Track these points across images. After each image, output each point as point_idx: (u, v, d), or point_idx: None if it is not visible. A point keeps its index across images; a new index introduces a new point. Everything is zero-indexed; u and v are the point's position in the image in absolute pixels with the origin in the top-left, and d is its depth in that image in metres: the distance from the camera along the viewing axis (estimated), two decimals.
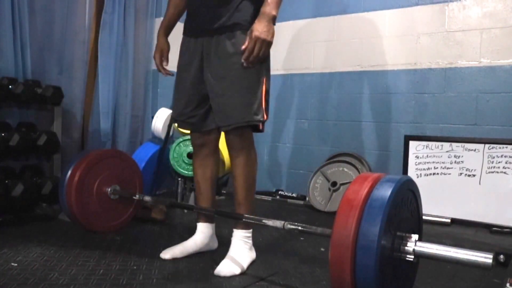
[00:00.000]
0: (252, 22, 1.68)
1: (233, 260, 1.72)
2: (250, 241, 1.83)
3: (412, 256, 1.24)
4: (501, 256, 1.88)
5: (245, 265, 1.73)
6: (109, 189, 2.17)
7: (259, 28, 1.60)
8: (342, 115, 3.36)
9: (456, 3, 2.93)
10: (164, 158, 2.92)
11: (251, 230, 1.83)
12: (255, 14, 1.69)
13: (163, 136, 2.96)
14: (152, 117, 3.14)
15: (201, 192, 1.94)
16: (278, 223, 1.58)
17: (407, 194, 1.30)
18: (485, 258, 1.16)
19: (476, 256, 1.18)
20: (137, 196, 2.14)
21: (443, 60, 2.98)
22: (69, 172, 2.08)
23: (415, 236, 1.26)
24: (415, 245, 1.24)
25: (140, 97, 3.37)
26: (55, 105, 2.65)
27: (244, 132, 1.75)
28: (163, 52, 2.00)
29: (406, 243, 1.25)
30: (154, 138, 3.09)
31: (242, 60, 1.64)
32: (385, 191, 1.18)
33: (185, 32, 1.87)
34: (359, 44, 3.28)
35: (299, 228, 1.53)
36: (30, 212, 2.41)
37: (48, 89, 2.56)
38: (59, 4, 2.81)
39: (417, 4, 3.07)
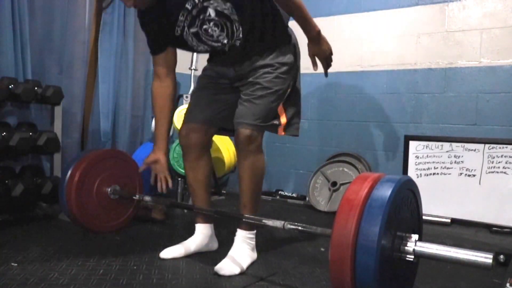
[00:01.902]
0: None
1: (233, 259, 1.72)
2: (253, 242, 1.82)
3: (412, 256, 1.24)
4: (501, 256, 1.88)
5: (245, 265, 1.73)
6: (109, 189, 2.16)
7: (318, 50, 1.80)
8: (342, 115, 3.36)
9: (456, 3, 2.93)
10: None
11: (254, 232, 1.82)
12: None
13: None
14: (152, 117, 3.14)
15: (195, 195, 1.94)
16: (278, 223, 1.58)
17: (407, 194, 1.30)
18: (485, 258, 1.16)
19: (476, 256, 1.18)
20: (137, 196, 2.14)
21: (443, 60, 2.98)
22: (69, 172, 2.07)
23: (415, 236, 1.26)
24: (415, 245, 1.24)
25: (140, 97, 3.37)
26: (55, 105, 2.65)
27: (254, 135, 1.73)
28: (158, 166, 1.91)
29: (406, 243, 1.25)
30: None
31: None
32: (385, 191, 1.18)
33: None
34: (359, 44, 3.28)
35: (299, 228, 1.53)
36: (30, 212, 2.41)
37: (48, 89, 2.56)
38: (59, 4, 2.81)
39: (417, 4, 3.07)
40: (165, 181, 1.92)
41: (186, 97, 3.16)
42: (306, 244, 2.16)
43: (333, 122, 3.40)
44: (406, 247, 1.24)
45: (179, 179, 2.94)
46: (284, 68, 1.77)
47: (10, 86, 2.39)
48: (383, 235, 1.12)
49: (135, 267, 1.71)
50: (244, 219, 1.67)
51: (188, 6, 1.64)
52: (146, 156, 1.99)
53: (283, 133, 1.85)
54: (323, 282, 1.65)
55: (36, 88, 2.51)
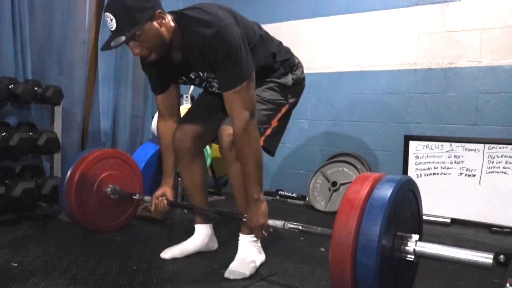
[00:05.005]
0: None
1: (241, 262, 1.70)
2: (258, 244, 1.80)
3: (413, 256, 1.24)
4: (501, 256, 1.88)
5: (254, 267, 1.71)
6: (109, 189, 2.16)
7: (249, 219, 1.62)
8: (342, 115, 3.36)
9: (456, 3, 2.93)
10: None
11: None
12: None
13: None
14: (152, 117, 3.14)
15: (192, 197, 1.93)
16: (278, 223, 1.58)
17: (408, 194, 1.30)
18: (485, 258, 1.17)
19: (476, 256, 1.18)
20: (137, 195, 2.14)
21: (443, 60, 2.98)
22: (69, 172, 2.08)
23: (415, 236, 1.26)
24: (416, 245, 1.24)
25: (140, 97, 3.37)
26: (55, 105, 2.65)
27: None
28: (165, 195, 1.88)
29: (407, 243, 1.25)
30: (154, 138, 3.08)
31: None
32: (386, 191, 1.18)
33: None
34: (359, 44, 3.28)
35: (300, 227, 1.53)
36: (30, 212, 2.41)
37: (48, 89, 2.56)
38: (59, 4, 2.81)
39: (417, 4, 3.07)
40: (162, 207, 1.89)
41: (186, 97, 3.16)
42: (306, 244, 2.16)
43: (333, 122, 3.40)
44: (406, 247, 1.25)
45: (179, 179, 2.94)
46: (278, 84, 1.81)
47: (10, 86, 2.39)
48: (383, 235, 1.12)
49: (135, 267, 1.71)
50: (244, 219, 1.66)
51: (192, 75, 1.73)
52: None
53: (261, 144, 1.73)
54: (323, 282, 1.65)
55: (36, 88, 2.51)
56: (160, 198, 1.86)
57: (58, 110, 2.67)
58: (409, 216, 1.33)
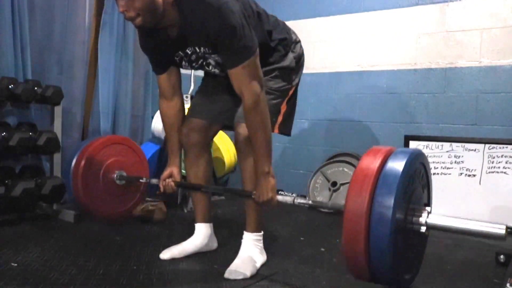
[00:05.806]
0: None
1: (243, 262, 1.70)
2: (261, 244, 1.81)
3: (425, 228, 1.24)
4: (501, 256, 1.88)
5: (255, 267, 1.71)
6: (115, 175, 2.16)
7: (258, 194, 1.61)
8: (342, 115, 3.36)
9: (456, 3, 2.93)
10: (164, 158, 2.91)
11: (261, 233, 1.82)
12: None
13: (163, 136, 2.96)
14: (152, 117, 3.14)
15: (196, 193, 1.94)
16: (288, 198, 1.59)
17: (419, 167, 1.30)
18: (498, 229, 1.15)
19: (488, 227, 1.17)
20: (144, 179, 2.12)
21: (443, 60, 2.98)
22: (76, 158, 2.07)
23: (427, 208, 1.26)
24: (428, 217, 1.24)
25: (140, 97, 3.37)
26: (55, 105, 2.65)
27: None
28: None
29: (420, 215, 1.24)
30: (154, 138, 3.09)
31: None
32: (399, 163, 1.18)
33: None
34: (359, 44, 3.28)
35: (310, 202, 1.52)
36: (30, 212, 2.41)
37: (48, 89, 2.56)
38: (59, 4, 2.81)
39: (417, 4, 3.07)
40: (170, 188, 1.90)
41: (186, 97, 3.16)
42: (306, 244, 2.16)
43: (333, 122, 3.40)
44: (419, 219, 1.24)
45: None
46: (280, 69, 1.81)
47: (10, 86, 2.39)
48: (397, 206, 1.12)
49: (135, 267, 1.71)
50: (253, 196, 1.63)
51: (188, 51, 1.70)
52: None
53: (277, 131, 1.83)
54: (323, 282, 1.65)
55: (36, 88, 2.51)
56: (167, 180, 1.86)
57: (58, 110, 2.67)
58: (420, 189, 1.32)
